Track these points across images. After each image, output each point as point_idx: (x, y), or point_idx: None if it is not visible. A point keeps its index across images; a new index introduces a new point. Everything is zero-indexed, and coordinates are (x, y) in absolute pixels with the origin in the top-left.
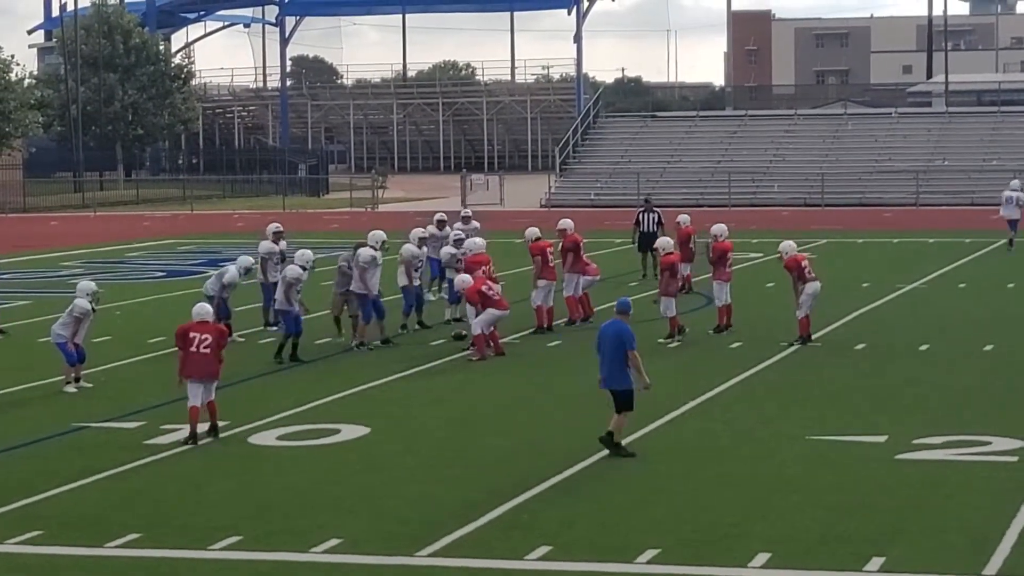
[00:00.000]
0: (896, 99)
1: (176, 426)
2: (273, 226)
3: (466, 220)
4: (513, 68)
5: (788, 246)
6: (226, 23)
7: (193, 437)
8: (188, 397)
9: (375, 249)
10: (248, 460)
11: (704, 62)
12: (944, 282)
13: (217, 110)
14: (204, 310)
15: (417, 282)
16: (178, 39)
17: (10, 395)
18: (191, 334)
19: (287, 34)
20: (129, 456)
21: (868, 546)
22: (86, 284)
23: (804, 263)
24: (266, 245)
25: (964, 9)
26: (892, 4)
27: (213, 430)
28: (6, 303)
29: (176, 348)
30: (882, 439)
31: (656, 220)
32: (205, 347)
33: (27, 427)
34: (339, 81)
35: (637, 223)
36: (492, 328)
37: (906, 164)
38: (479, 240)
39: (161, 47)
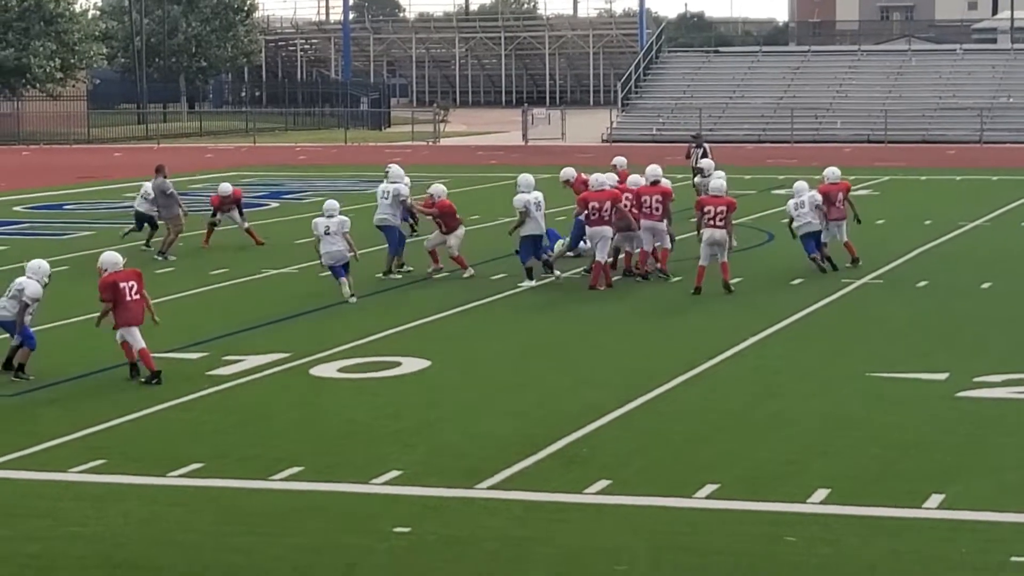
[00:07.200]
0: (961, 35)
1: (238, 357)
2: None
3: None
4: (576, 2)
5: (831, 173)
6: None
7: (135, 370)
8: (128, 341)
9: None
10: (309, 392)
11: None
12: (1007, 220)
13: (280, 43)
14: (116, 258)
15: None
16: None
17: (74, 325)
18: (120, 284)
19: None
20: (191, 387)
21: (927, 483)
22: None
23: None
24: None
25: None
26: None
27: (156, 376)
28: (70, 233)
29: (104, 301)
30: (942, 377)
31: (702, 155)
32: (135, 293)
33: (91, 357)
34: (401, 15)
35: (688, 157)
36: (612, 259)
37: (970, 101)
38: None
39: None
